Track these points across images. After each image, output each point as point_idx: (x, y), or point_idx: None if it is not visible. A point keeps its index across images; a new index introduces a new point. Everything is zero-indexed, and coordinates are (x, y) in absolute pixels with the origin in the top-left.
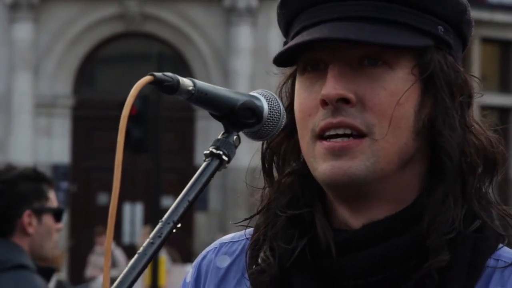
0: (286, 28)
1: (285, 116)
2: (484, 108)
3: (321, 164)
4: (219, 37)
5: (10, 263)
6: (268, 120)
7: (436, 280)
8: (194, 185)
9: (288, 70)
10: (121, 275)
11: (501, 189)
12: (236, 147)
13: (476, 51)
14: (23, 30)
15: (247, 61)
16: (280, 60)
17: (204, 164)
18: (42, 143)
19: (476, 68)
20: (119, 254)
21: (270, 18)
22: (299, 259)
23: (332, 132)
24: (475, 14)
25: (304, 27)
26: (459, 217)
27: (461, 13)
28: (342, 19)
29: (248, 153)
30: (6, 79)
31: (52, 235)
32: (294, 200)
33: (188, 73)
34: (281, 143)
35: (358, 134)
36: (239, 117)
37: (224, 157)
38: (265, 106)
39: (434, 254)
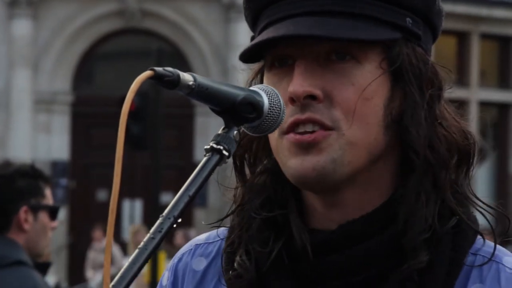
0: (253, 23)
1: (285, 111)
2: (483, 104)
3: (290, 159)
4: (218, 33)
5: (9, 259)
6: (269, 115)
7: (416, 281)
8: (194, 180)
9: (256, 66)
10: (122, 270)
11: (501, 185)
12: (236, 142)
13: (475, 47)
14: (22, 27)
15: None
16: (247, 57)
17: (204, 159)
18: (41, 140)
19: (475, 64)
20: (116, 251)
21: None
22: (276, 261)
23: (300, 129)
24: (474, 10)
25: (270, 22)
26: (432, 214)
27: (430, 4)
28: (307, 14)
29: None
30: (5, 75)
31: (47, 232)
32: (268, 200)
33: (187, 70)
34: (252, 141)
35: (324, 128)
36: (239, 112)
37: (225, 152)
38: (266, 101)
39: (412, 255)
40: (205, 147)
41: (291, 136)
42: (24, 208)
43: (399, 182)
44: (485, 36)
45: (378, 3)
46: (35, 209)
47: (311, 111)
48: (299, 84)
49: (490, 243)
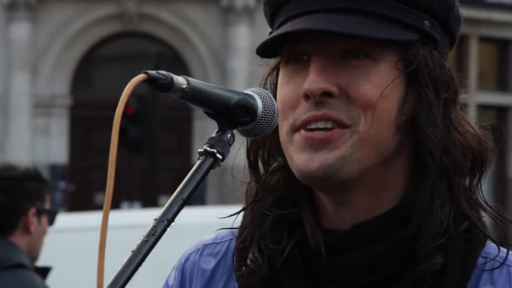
0: (272, 18)
1: (279, 114)
2: (482, 107)
3: (298, 154)
4: (216, 36)
5: (9, 262)
6: (262, 118)
7: (430, 283)
8: (188, 183)
9: (272, 62)
10: (115, 274)
11: (499, 187)
12: (230, 145)
13: (474, 50)
14: (21, 30)
15: (244, 61)
16: (264, 50)
17: (198, 162)
18: (39, 143)
19: (474, 67)
20: None
21: None
22: (289, 260)
23: (312, 126)
24: (473, 13)
25: (289, 17)
26: (447, 219)
27: (449, 9)
28: (326, 11)
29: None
30: (3, 79)
31: (44, 236)
32: (281, 198)
33: (185, 73)
34: (266, 137)
35: (339, 127)
36: (233, 115)
37: (218, 155)
38: (259, 104)
39: (426, 258)
40: (199, 150)
41: (303, 133)
42: (32, 210)
43: (412, 185)
44: (483, 39)
45: (398, 4)
46: (40, 212)
47: (327, 108)
48: (314, 81)
49: (499, 247)
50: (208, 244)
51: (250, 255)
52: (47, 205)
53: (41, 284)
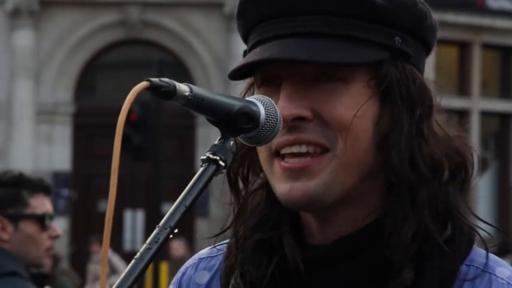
0: (244, 38)
1: (282, 121)
2: (485, 114)
3: (280, 184)
4: (219, 43)
5: (1, 270)
6: (265, 125)
7: None
8: (191, 190)
9: (248, 80)
10: (118, 281)
11: (502, 195)
12: (233, 152)
13: (477, 57)
14: (24, 37)
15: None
16: (236, 76)
17: (201, 169)
18: (42, 150)
19: (477, 74)
20: (117, 260)
21: None
22: (270, 282)
23: (287, 150)
24: (476, 20)
25: (258, 41)
26: (412, 232)
27: (420, 20)
28: (294, 35)
29: None
30: (6, 86)
31: (37, 241)
32: (262, 221)
33: (188, 80)
34: (245, 155)
35: (317, 150)
36: (236, 122)
37: (221, 163)
38: (262, 111)
39: (397, 273)
40: (202, 157)
41: (280, 164)
42: (0, 219)
43: (384, 200)
44: (486, 46)
45: (366, 23)
46: (13, 219)
47: (300, 131)
48: (285, 107)
49: (483, 253)
50: (204, 258)
51: (232, 281)
52: (33, 210)
53: None
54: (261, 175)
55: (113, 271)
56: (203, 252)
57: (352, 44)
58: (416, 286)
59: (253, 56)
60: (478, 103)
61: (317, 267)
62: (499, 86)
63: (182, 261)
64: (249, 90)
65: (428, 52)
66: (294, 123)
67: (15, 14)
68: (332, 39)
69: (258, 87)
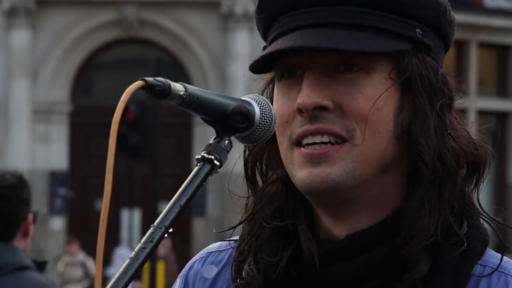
0: (265, 33)
1: (277, 121)
2: (482, 112)
3: (299, 171)
4: (216, 42)
5: (14, 265)
6: (260, 125)
7: None
8: (186, 189)
9: (268, 76)
10: (113, 280)
11: (499, 193)
12: (228, 151)
13: (474, 56)
14: (20, 37)
15: (244, 67)
16: (257, 67)
17: (196, 168)
18: (39, 149)
19: (473, 73)
20: (92, 265)
21: None
22: (284, 272)
23: (309, 140)
24: (473, 19)
25: (280, 33)
26: (435, 224)
27: (440, 14)
28: (316, 25)
29: None
30: (3, 85)
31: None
32: (278, 210)
33: (185, 79)
34: (264, 149)
35: (337, 141)
36: (231, 121)
37: (216, 162)
38: (257, 111)
39: (413, 265)
40: (197, 156)
41: (301, 150)
42: (30, 216)
43: (406, 194)
44: (483, 45)
45: (387, 14)
46: (35, 216)
47: (321, 121)
48: (307, 95)
49: (499, 255)
50: (212, 252)
51: (246, 267)
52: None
53: (46, 280)
54: (279, 171)
55: (87, 275)
56: (212, 246)
57: (373, 34)
58: (430, 280)
59: (276, 46)
60: (475, 102)
61: (331, 260)
62: (495, 84)
63: (166, 260)
64: (268, 86)
65: (446, 47)
66: (314, 113)
67: (11, 13)
68: (354, 29)
69: (279, 80)
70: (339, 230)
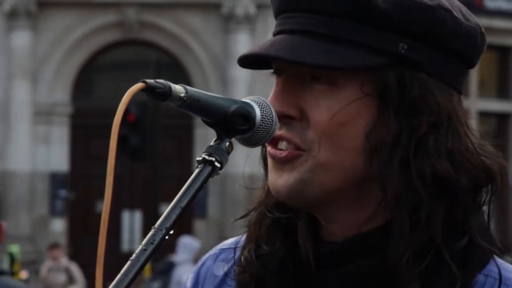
0: None
1: (277, 122)
2: (482, 114)
3: (270, 172)
4: (217, 44)
5: None
6: (261, 127)
7: None
8: (186, 191)
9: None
10: (114, 282)
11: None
12: (228, 153)
13: None
14: (21, 38)
15: (245, 68)
16: (248, 66)
17: (196, 170)
18: (40, 151)
19: (474, 74)
20: (75, 269)
21: (268, 25)
22: (281, 265)
23: (279, 145)
24: None
25: (274, 33)
26: (419, 245)
27: (438, 26)
28: (293, 32)
29: (247, 161)
30: (4, 87)
31: None
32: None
33: (186, 81)
34: None
35: (299, 148)
36: (231, 123)
37: (217, 164)
38: (258, 113)
39: (402, 284)
40: (197, 158)
41: (269, 148)
42: (4, 224)
43: (394, 206)
44: None
45: (368, 28)
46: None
47: (286, 129)
48: (272, 102)
49: (506, 265)
50: (225, 249)
51: (245, 253)
52: None
53: (22, 285)
54: None
55: (71, 281)
56: (227, 242)
57: (346, 48)
58: None
59: (248, 50)
60: (476, 103)
61: (325, 263)
62: (496, 86)
63: None
64: None
65: (466, 62)
66: (284, 120)
67: (12, 15)
68: (328, 41)
69: (275, 79)
70: (333, 231)
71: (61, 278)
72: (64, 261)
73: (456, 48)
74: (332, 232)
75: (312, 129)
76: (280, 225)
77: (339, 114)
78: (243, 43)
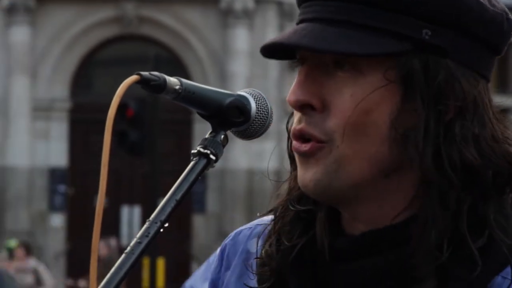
0: None
1: (272, 115)
2: None
3: (298, 167)
4: (216, 39)
5: None
6: (256, 119)
7: None
8: (181, 184)
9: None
10: (109, 275)
11: None
12: (223, 146)
13: None
14: (20, 34)
15: (244, 63)
16: (268, 54)
17: (191, 163)
18: (39, 147)
19: None
20: (43, 271)
21: (267, 19)
22: (300, 258)
23: (302, 140)
24: None
25: (297, 22)
26: (440, 238)
27: (464, 13)
28: (315, 20)
29: (245, 155)
30: (3, 83)
31: None
32: (305, 194)
33: (185, 76)
34: None
35: (320, 141)
36: (227, 116)
37: (212, 156)
38: (253, 105)
39: (420, 280)
40: (192, 151)
41: (294, 143)
42: None
43: (419, 201)
44: None
45: (391, 14)
46: None
47: (306, 122)
48: (293, 91)
49: None
50: (261, 224)
51: (266, 246)
52: None
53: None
54: None
55: (39, 283)
56: (264, 219)
57: (369, 34)
58: None
59: (271, 39)
60: None
61: (342, 257)
62: (496, 80)
63: (108, 261)
64: None
65: (493, 49)
66: (304, 110)
67: (11, 10)
68: (350, 28)
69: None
70: (355, 224)
71: (28, 279)
72: (32, 262)
73: (482, 34)
74: (354, 225)
75: (333, 119)
76: (303, 218)
77: (363, 101)
78: (242, 38)
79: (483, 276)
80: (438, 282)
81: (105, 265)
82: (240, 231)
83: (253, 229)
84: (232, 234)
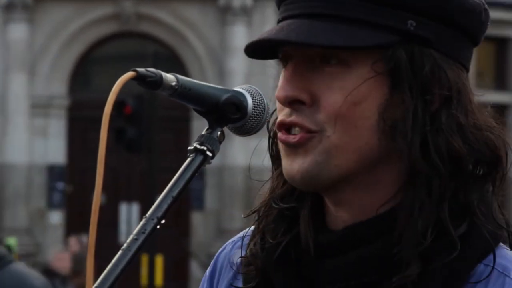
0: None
1: (269, 112)
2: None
3: (283, 158)
4: (214, 36)
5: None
6: (253, 115)
7: None
8: (178, 181)
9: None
10: (105, 272)
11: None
12: (220, 142)
13: None
14: (18, 31)
15: (242, 60)
16: (250, 54)
17: (188, 159)
18: (37, 144)
19: (472, 65)
20: None
21: (265, 17)
22: (284, 256)
23: (291, 132)
24: None
25: (278, 20)
26: (425, 225)
27: (445, 3)
28: (301, 16)
29: (244, 152)
30: (1, 80)
31: None
32: (289, 192)
33: (183, 73)
34: None
35: (309, 131)
36: (223, 112)
37: (208, 153)
38: (249, 101)
39: (404, 267)
40: (189, 147)
41: (280, 134)
42: None
43: (403, 190)
44: None
45: (375, 6)
46: None
47: (296, 115)
48: (282, 88)
49: (505, 252)
50: (245, 236)
51: (251, 245)
52: None
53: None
54: None
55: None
56: (247, 230)
57: (354, 27)
58: (420, 283)
59: (257, 36)
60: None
61: (327, 252)
62: (494, 77)
63: (80, 257)
64: None
65: (472, 39)
66: (292, 105)
67: (9, 7)
68: (335, 22)
69: (282, 67)
70: (341, 217)
71: None
72: None
73: (462, 24)
74: (339, 218)
75: (323, 112)
76: (286, 216)
77: (352, 94)
78: (240, 35)
79: (465, 262)
80: (421, 269)
81: (76, 261)
82: (223, 249)
83: (236, 241)
84: (219, 251)
